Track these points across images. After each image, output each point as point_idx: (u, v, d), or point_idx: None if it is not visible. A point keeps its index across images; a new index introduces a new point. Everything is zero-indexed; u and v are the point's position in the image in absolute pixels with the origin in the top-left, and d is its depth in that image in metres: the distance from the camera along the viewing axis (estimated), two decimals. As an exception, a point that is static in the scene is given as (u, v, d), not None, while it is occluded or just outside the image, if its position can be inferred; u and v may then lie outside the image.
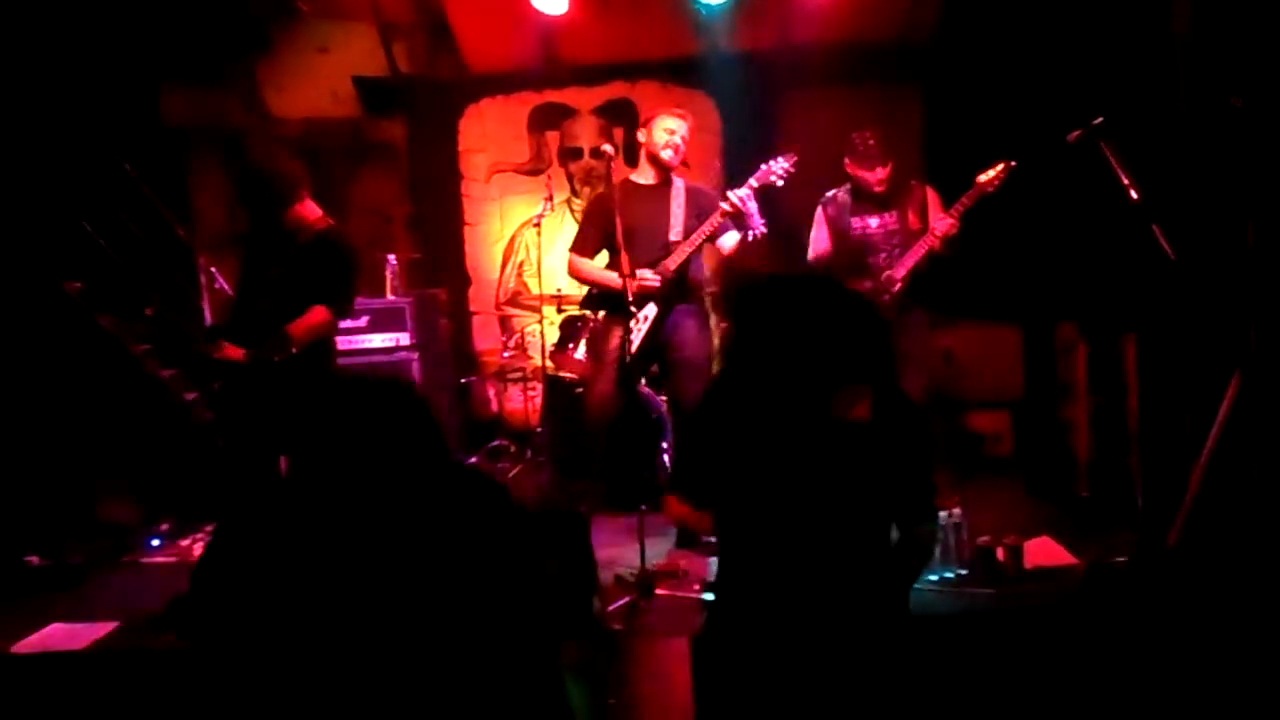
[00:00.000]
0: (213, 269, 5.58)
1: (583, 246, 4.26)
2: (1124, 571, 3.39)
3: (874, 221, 4.34)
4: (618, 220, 3.85)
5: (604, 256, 4.27)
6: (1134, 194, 3.38)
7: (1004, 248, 4.85)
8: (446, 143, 6.49)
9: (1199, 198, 3.67)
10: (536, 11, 5.48)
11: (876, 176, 4.26)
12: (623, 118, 6.28)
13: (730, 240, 4.13)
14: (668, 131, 4.10)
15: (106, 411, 4.65)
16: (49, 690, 2.85)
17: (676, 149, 4.11)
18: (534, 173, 6.41)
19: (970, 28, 5.33)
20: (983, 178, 4.11)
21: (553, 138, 6.42)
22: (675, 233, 4.09)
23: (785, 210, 4.71)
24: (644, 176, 4.21)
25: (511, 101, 6.44)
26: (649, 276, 3.99)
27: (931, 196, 4.35)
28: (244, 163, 3.92)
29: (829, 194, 4.46)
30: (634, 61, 6.25)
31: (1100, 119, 3.47)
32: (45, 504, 4.28)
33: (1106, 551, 3.52)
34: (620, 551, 3.83)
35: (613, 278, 4.03)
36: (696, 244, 4.05)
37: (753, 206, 3.97)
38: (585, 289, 4.44)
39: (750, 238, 4.06)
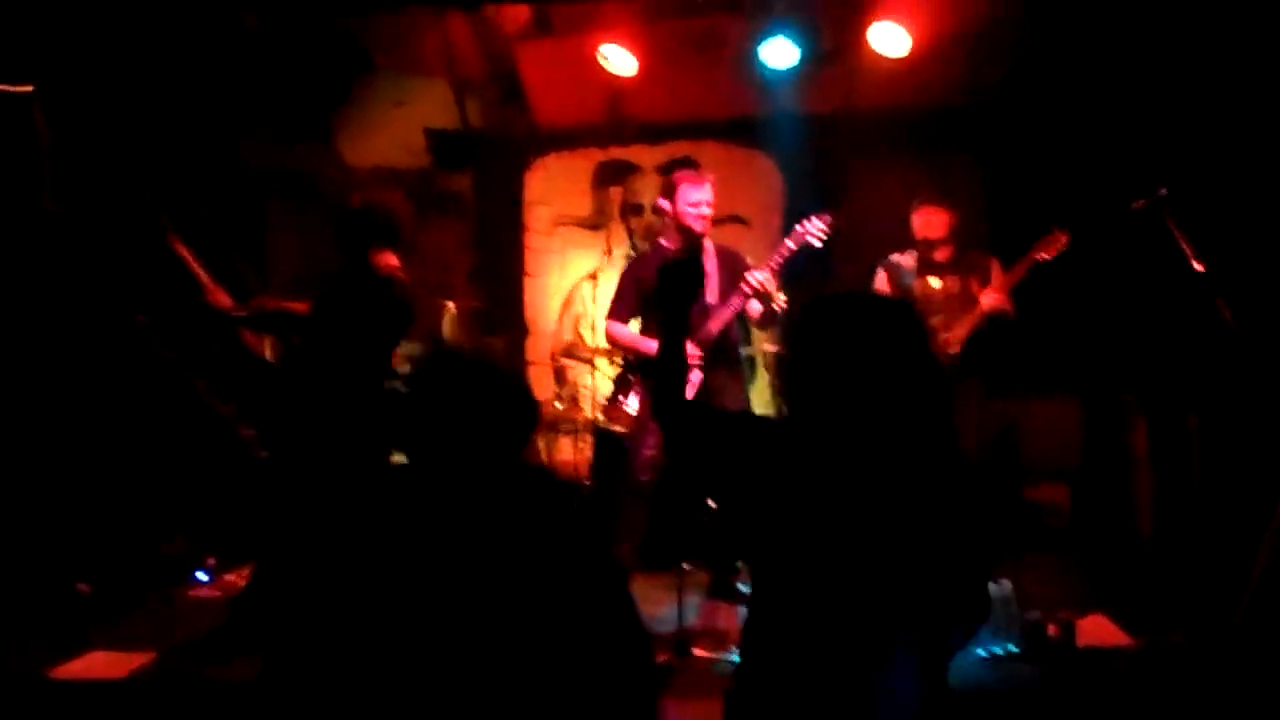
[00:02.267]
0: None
1: (618, 313, 4.26)
2: (1183, 650, 3.27)
3: (936, 283, 4.33)
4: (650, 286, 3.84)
5: (636, 322, 4.27)
6: (1197, 265, 3.32)
7: (1066, 317, 4.78)
8: (512, 195, 6.61)
9: (1265, 271, 3.58)
10: (606, 71, 5.59)
11: (937, 218, 4.27)
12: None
13: (756, 309, 4.06)
14: (692, 205, 4.02)
15: (165, 444, 4.76)
16: (82, 716, 2.89)
17: (706, 219, 4.05)
18: (596, 227, 6.49)
19: (1034, 94, 5.30)
20: (1038, 250, 4.09)
21: (615, 193, 6.49)
22: (710, 295, 4.05)
23: (848, 272, 4.73)
24: (672, 241, 4.15)
25: (577, 157, 6.55)
26: (691, 349, 3.92)
27: (995, 267, 4.33)
28: (346, 205, 4.02)
29: (893, 257, 4.47)
30: (698, 120, 6.32)
31: (1164, 189, 3.43)
32: (99, 533, 4.38)
33: (1165, 629, 3.40)
34: (657, 609, 3.78)
35: (652, 346, 4.02)
36: (734, 312, 4.02)
37: (771, 286, 3.91)
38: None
39: (775, 311, 4.00)
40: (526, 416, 2.08)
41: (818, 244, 3.96)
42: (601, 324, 6.05)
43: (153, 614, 4.03)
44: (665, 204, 4.13)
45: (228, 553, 4.52)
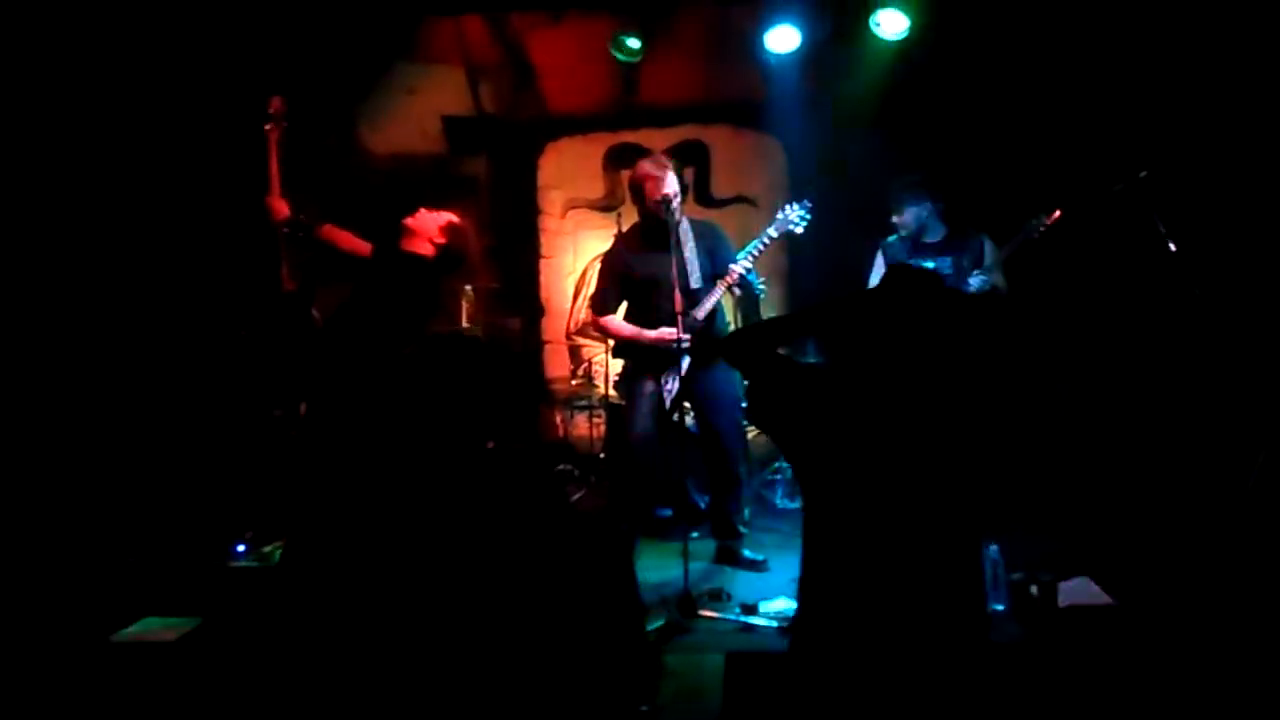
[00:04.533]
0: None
1: (603, 305, 4.31)
2: (1160, 611, 3.44)
3: (929, 264, 4.47)
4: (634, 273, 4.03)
5: (622, 307, 4.34)
6: (1171, 246, 3.49)
7: (1052, 294, 4.92)
8: (526, 179, 6.81)
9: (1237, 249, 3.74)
10: (616, 58, 5.74)
11: (912, 213, 4.41)
12: (695, 159, 6.52)
13: (738, 293, 4.20)
14: (662, 188, 4.07)
15: (201, 421, 5.01)
16: (141, 675, 3.17)
17: (675, 196, 4.10)
18: (607, 209, 6.66)
19: (1026, 74, 5.41)
20: (1027, 227, 4.23)
21: (626, 176, 6.61)
22: (695, 279, 4.14)
23: (851, 250, 4.88)
24: (648, 228, 4.22)
25: (588, 141, 6.73)
26: (684, 337, 3.98)
27: (986, 246, 4.48)
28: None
29: (890, 239, 4.63)
30: (706, 104, 6.49)
31: (1145, 173, 3.59)
32: (146, 509, 4.66)
33: (1143, 591, 3.57)
34: (667, 576, 3.99)
35: (643, 335, 4.17)
36: (717, 298, 4.14)
37: (752, 277, 4.05)
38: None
39: (757, 297, 4.15)
40: (527, 393, 2.29)
41: (799, 230, 4.11)
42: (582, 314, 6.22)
43: (197, 584, 4.28)
44: (633, 192, 4.23)
45: (265, 527, 4.77)
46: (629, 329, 4.29)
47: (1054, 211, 4.20)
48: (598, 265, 6.53)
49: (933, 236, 4.50)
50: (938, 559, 2.05)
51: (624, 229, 4.46)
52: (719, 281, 4.12)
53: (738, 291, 4.19)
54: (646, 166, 4.21)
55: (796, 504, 5.34)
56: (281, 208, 3.81)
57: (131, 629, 3.52)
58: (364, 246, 3.79)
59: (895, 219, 4.52)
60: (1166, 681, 2.92)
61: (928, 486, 2.04)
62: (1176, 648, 3.15)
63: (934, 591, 2.04)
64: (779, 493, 5.47)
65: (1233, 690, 2.78)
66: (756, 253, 4.09)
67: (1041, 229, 4.22)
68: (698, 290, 4.16)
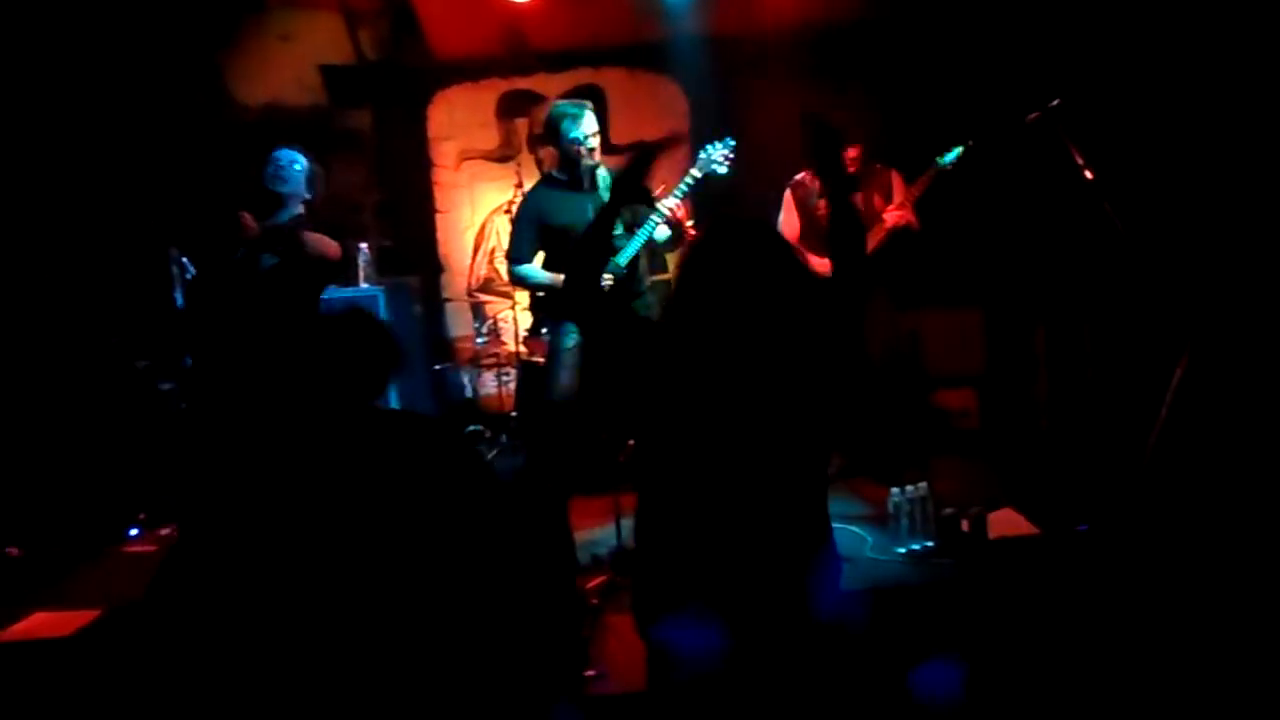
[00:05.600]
0: (184, 259, 5.57)
1: (519, 252, 4.15)
2: (1085, 538, 3.52)
3: None
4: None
5: (539, 257, 4.18)
6: (1088, 174, 3.50)
7: (965, 230, 4.97)
8: (415, 130, 6.50)
9: (1151, 177, 3.79)
10: (503, -1, 5.52)
11: (848, 155, 4.34)
12: (591, 103, 6.32)
13: (663, 233, 4.03)
14: (586, 130, 3.96)
15: (87, 402, 4.67)
16: (34, 676, 2.90)
17: (594, 137, 3.98)
18: (504, 159, 6.43)
19: (929, 9, 5.41)
20: (939, 160, 4.22)
21: (522, 124, 6.44)
22: (615, 225, 3.99)
23: (753, 194, 4.80)
24: (565, 173, 4.08)
25: (480, 88, 6.46)
26: (605, 280, 3.84)
27: (896, 180, 4.46)
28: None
29: (797, 177, 4.56)
30: (601, 48, 6.28)
31: (1057, 101, 3.59)
32: (26, 496, 4.30)
33: (1068, 520, 3.64)
34: (598, 532, 3.90)
35: (561, 281, 4.03)
36: (639, 245, 3.98)
37: (682, 213, 3.88)
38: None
39: (684, 238, 3.96)
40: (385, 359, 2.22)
41: (723, 170, 3.97)
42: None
43: (87, 572, 3.99)
44: (541, 135, 4.09)
45: (158, 508, 4.48)
46: (546, 276, 4.12)
47: (963, 144, 4.20)
48: (498, 218, 6.35)
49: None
50: (776, 509, 2.04)
51: (542, 174, 4.24)
52: (637, 236, 3.96)
53: (665, 234, 4.03)
54: (563, 106, 4.05)
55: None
56: (250, 221, 3.79)
57: (18, 625, 3.24)
58: (333, 248, 3.91)
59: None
60: (1100, 608, 2.98)
61: (765, 442, 2.03)
62: (1107, 573, 3.23)
63: (772, 541, 2.03)
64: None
65: (1161, 617, 2.84)
66: (682, 195, 3.92)
67: (951, 164, 4.22)
68: (617, 238, 4.00)
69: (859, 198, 4.42)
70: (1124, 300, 3.90)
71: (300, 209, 3.99)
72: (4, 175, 4.90)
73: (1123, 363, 4.02)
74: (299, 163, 3.98)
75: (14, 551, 3.94)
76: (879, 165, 4.52)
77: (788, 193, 4.59)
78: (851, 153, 4.34)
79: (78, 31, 5.36)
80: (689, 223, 3.93)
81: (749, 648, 2.00)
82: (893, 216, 4.31)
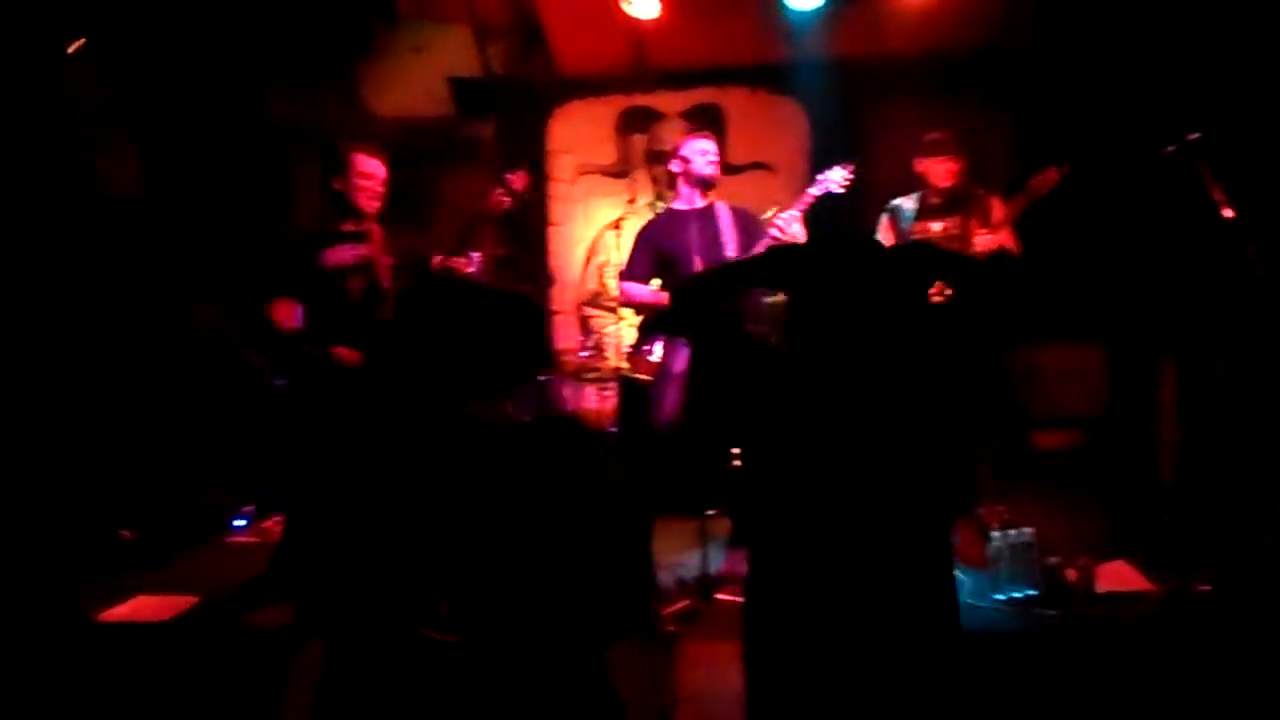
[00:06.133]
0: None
1: (633, 275, 4.20)
2: (1205, 596, 3.29)
3: (936, 226, 4.31)
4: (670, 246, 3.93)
5: (655, 282, 4.22)
6: (1227, 212, 3.29)
7: (1095, 263, 4.75)
8: (535, 143, 6.58)
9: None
10: (628, 16, 5.53)
11: (944, 168, 4.25)
12: (711, 122, 6.30)
13: None
14: (703, 153, 4.07)
15: (205, 395, 4.86)
16: (132, 657, 3.00)
17: (717, 165, 4.10)
18: (620, 175, 6.46)
19: (1066, 37, 5.21)
20: (1033, 181, 4.07)
21: (639, 141, 6.46)
22: (730, 250, 4.03)
23: (870, 217, 4.69)
24: (686, 203, 4.15)
25: (600, 104, 6.51)
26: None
27: (997, 206, 4.30)
28: None
29: (895, 202, 4.45)
30: (722, 66, 6.25)
31: (1196, 134, 3.39)
32: (142, 482, 4.50)
33: (1187, 578, 3.42)
34: (684, 556, 3.85)
35: (662, 298, 4.07)
36: None
37: (796, 229, 3.88)
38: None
39: None
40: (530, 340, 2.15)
41: (840, 191, 3.94)
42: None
43: (192, 560, 4.14)
44: (675, 166, 4.15)
45: (265, 500, 4.62)
46: (642, 294, 4.18)
47: (1050, 169, 4.04)
48: (610, 232, 6.37)
49: (940, 197, 4.32)
50: (896, 541, 1.93)
51: (655, 192, 4.31)
52: (759, 245, 3.95)
53: None
54: (686, 138, 4.18)
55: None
56: (348, 355, 3.64)
57: (120, 608, 3.37)
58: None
59: (925, 167, 4.32)
60: (1220, 674, 2.78)
61: (883, 465, 1.96)
62: (1224, 637, 3.02)
63: (894, 577, 1.96)
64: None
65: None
66: (800, 212, 3.90)
67: (1043, 187, 4.06)
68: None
69: (956, 223, 4.28)
70: (1261, 346, 3.64)
71: None
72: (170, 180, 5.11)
73: (1257, 412, 3.75)
74: None
75: (128, 535, 4.11)
76: (980, 189, 4.37)
77: (885, 216, 4.49)
78: (949, 166, 4.24)
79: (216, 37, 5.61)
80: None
81: (862, 676, 1.94)
82: (983, 241, 4.16)
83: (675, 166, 4.14)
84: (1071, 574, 3.39)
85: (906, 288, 2.10)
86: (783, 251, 2.92)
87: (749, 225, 4.12)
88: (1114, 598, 3.37)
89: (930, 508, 2.06)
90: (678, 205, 4.20)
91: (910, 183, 4.46)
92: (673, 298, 4.04)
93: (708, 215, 4.08)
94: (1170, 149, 3.42)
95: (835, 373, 1.98)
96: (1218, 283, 3.71)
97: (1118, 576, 3.51)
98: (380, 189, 3.82)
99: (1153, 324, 4.55)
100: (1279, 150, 3.82)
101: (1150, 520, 4.17)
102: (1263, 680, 2.71)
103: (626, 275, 4.25)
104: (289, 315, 3.65)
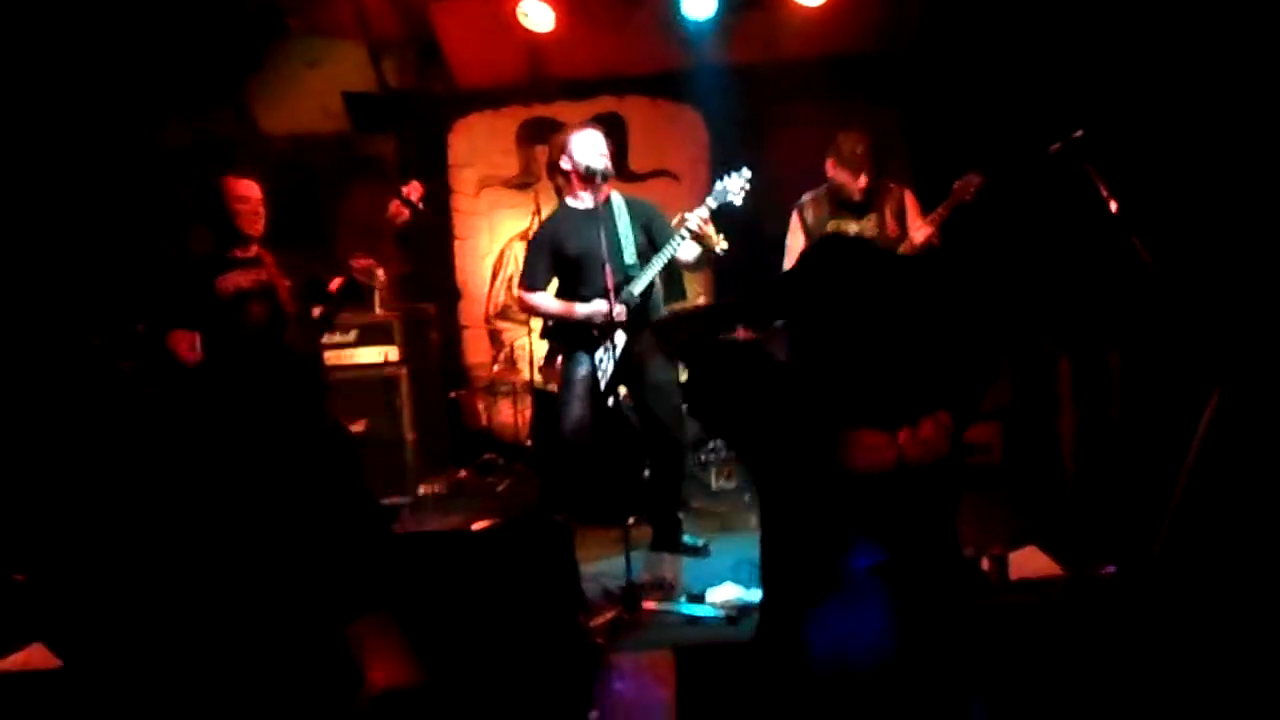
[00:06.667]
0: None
1: (533, 280, 4.12)
2: (1108, 581, 3.40)
3: (852, 227, 4.35)
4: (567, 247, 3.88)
5: (553, 285, 4.16)
6: (1113, 205, 3.41)
7: (985, 261, 4.87)
8: (436, 157, 6.52)
9: (1180, 209, 3.69)
10: (524, 28, 5.51)
11: (859, 184, 4.28)
12: (612, 132, 6.28)
13: (689, 253, 3.95)
14: (591, 144, 3.97)
15: (93, 428, 4.64)
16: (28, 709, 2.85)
17: (607, 156, 3.97)
18: (523, 186, 6.43)
19: (951, 39, 5.36)
20: (958, 185, 4.14)
21: (541, 151, 6.42)
22: (630, 254, 3.96)
23: (771, 219, 4.74)
24: (581, 201, 4.05)
25: (500, 116, 6.47)
26: (617, 309, 3.80)
27: (909, 200, 4.37)
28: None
29: (804, 198, 4.48)
30: (622, 76, 6.29)
31: (1080, 132, 3.50)
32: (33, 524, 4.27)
33: (1092, 562, 3.53)
34: (606, 565, 3.83)
35: (574, 310, 3.99)
36: (658, 270, 3.94)
37: (710, 228, 3.82)
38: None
39: (714, 254, 3.90)
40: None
41: (738, 202, 3.89)
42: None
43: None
44: (564, 163, 4.04)
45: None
46: (558, 304, 4.10)
47: (972, 174, 4.13)
48: (517, 244, 6.33)
49: (856, 197, 4.36)
50: (904, 535, 1.98)
51: (557, 203, 4.22)
52: (659, 257, 3.91)
53: (692, 250, 3.94)
54: (572, 131, 4.05)
55: (733, 485, 5.20)
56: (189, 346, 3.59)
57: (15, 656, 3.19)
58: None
59: (840, 176, 4.33)
60: (1126, 652, 2.87)
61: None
62: (1135, 616, 3.12)
63: (904, 569, 1.96)
64: (714, 474, 5.31)
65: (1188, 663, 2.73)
66: (697, 226, 3.85)
67: (965, 192, 4.14)
68: (631, 266, 3.96)
69: (872, 218, 4.35)
70: (1152, 335, 3.79)
71: None
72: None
73: (1151, 399, 3.90)
74: None
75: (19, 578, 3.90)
76: (892, 183, 4.43)
77: (795, 215, 4.52)
78: (863, 182, 4.29)
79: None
80: (719, 238, 3.86)
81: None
82: (921, 234, 4.20)
83: (565, 164, 4.05)
84: (985, 563, 3.47)
85: (907, 291, 2.13)
86: (776, 284, 2.93)
87: (646, 217, 4.05)
88: (1026, 584, 3.45)
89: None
90: (572, 203, 4.11)
91: (808, 184, 4.49)
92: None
93: (604, 211, 3.94)
94: (1056, 147, 3.53)
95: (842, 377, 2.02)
96: (1109, 276, 3.85)
97: (1030, 564, 3.59)
98: (259, 209, 3.73)
99: (1048, 319, 4.69)
100: (1162, 143, 3.98)
101: (1056, 509, 4.30)
102: (1164, 656, 2.80)
103: (526, 283, 4.16)
104: (189, 345, 3.53)
